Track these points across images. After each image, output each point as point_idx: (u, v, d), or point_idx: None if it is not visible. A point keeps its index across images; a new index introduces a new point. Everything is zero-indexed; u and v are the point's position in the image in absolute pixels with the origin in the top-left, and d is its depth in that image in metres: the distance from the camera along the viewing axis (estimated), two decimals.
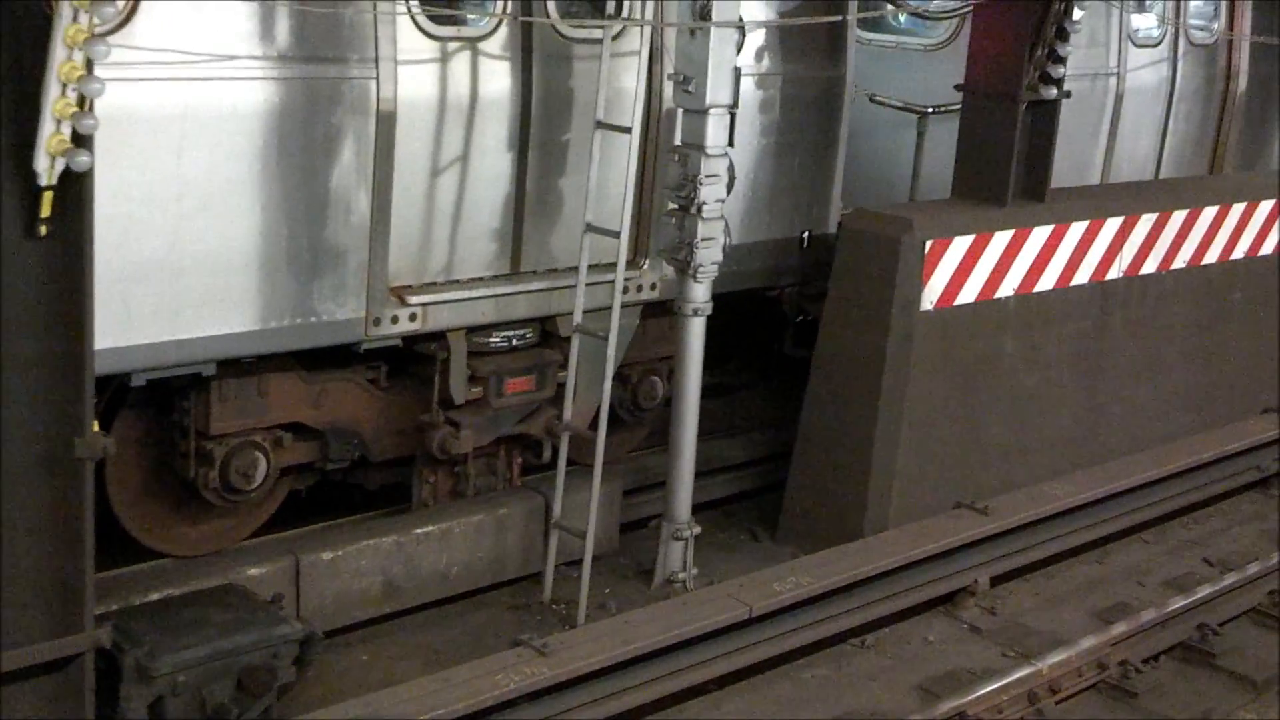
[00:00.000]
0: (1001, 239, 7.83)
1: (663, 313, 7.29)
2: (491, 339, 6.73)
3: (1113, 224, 8.45)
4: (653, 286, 7.15)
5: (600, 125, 6.55)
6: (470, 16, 6.49)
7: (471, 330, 6.61)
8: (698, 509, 7.27)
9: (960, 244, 7.63)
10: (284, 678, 5.72)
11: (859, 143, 8.36)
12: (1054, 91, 7.92)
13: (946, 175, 8.20)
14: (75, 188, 4.32)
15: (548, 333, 6.93)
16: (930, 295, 7.58)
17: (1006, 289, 7.95)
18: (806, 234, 7.84)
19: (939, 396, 7.77)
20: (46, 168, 4.19)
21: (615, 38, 6.61)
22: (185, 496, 6.27)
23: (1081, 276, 8.36)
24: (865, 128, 8.57)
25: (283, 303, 5.89)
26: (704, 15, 6.41)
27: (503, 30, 6.45)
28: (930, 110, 8.75)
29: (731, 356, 8.69)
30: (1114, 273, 8.55)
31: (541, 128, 6.65)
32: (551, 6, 6.58)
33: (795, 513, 7.80)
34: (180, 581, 6.06)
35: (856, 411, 7.56)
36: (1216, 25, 10.31)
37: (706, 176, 6.63)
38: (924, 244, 7.46)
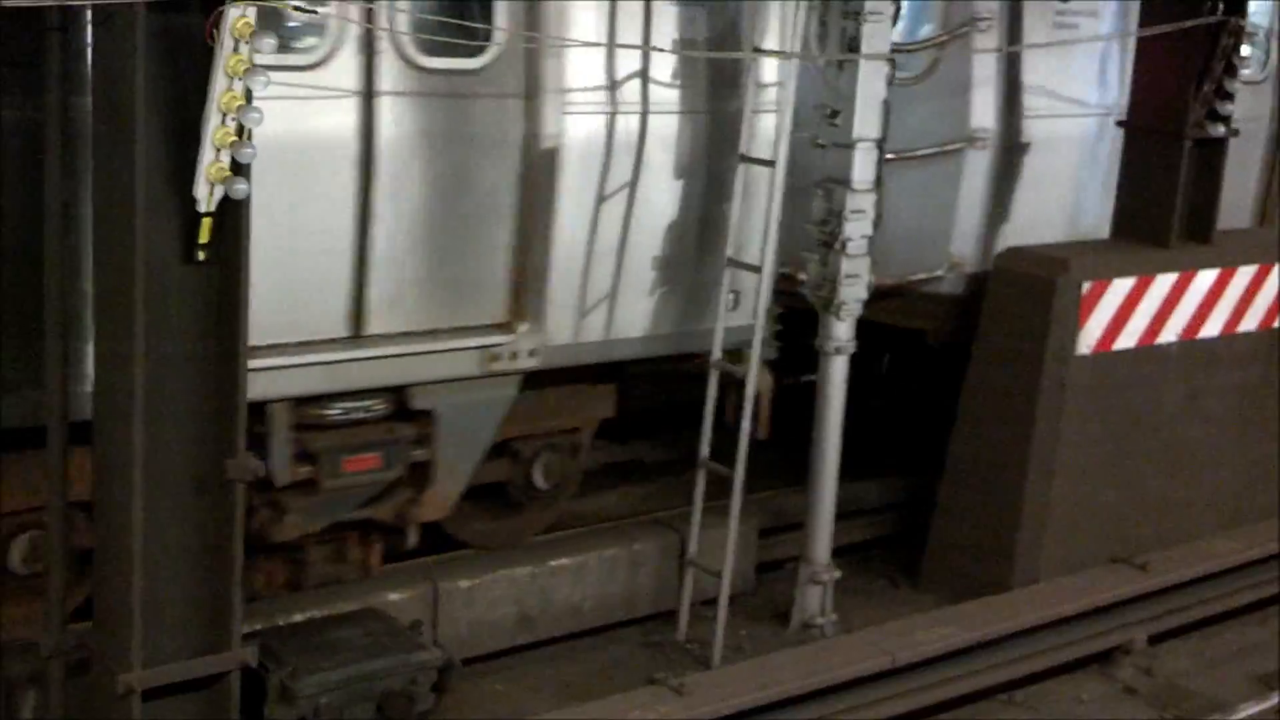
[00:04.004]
0: (1164, 282, 7.54)
1: (561, 380, 6.55)
2: (329, 411, 5.87)
3: None
4: (531, 354, 6.20)
5: (744, 159, 6.49)
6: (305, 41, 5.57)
7: (301, 401, 5.77)
8: (835, 552, 7.12)
9: (1120, 286, 7.37)
10: (422, 704, 5.75)
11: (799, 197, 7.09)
12: (1222, 129, 7.63)
13: (910, 234, 7.20)
14: (232, 214, 4.42)
15: (403, 405, 6.05)
16: (1087, 339, 7.32)
17: (1169, 334, 7.65)
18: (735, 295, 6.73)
19: (1094, 445, 7.50)
20: (206, 194, 4.30)
21: (481, 72, 5.85)
22: None
23: (1249, 323, 8.01)
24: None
25: None
26: (851, 47, 6.32)
27: (344, 63, 5.58)
28: (889, 156, 7.04)
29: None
30: None
31: (393, 173, 5.76)
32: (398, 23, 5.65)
33: (939, 560, 7.59)
34: (322, 604, 6.13)
35: (1007, 459, 7.33)
36: None
37: (852, 212, 6.52)
38: (1081, 286, 7.22)
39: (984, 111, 7.55)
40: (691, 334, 6.67)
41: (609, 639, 6.90)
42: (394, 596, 6.29)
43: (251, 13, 4.12)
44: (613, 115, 6.22)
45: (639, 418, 7.71)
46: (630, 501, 7.76)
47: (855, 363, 6.94)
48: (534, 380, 6.36)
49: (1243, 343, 8.01)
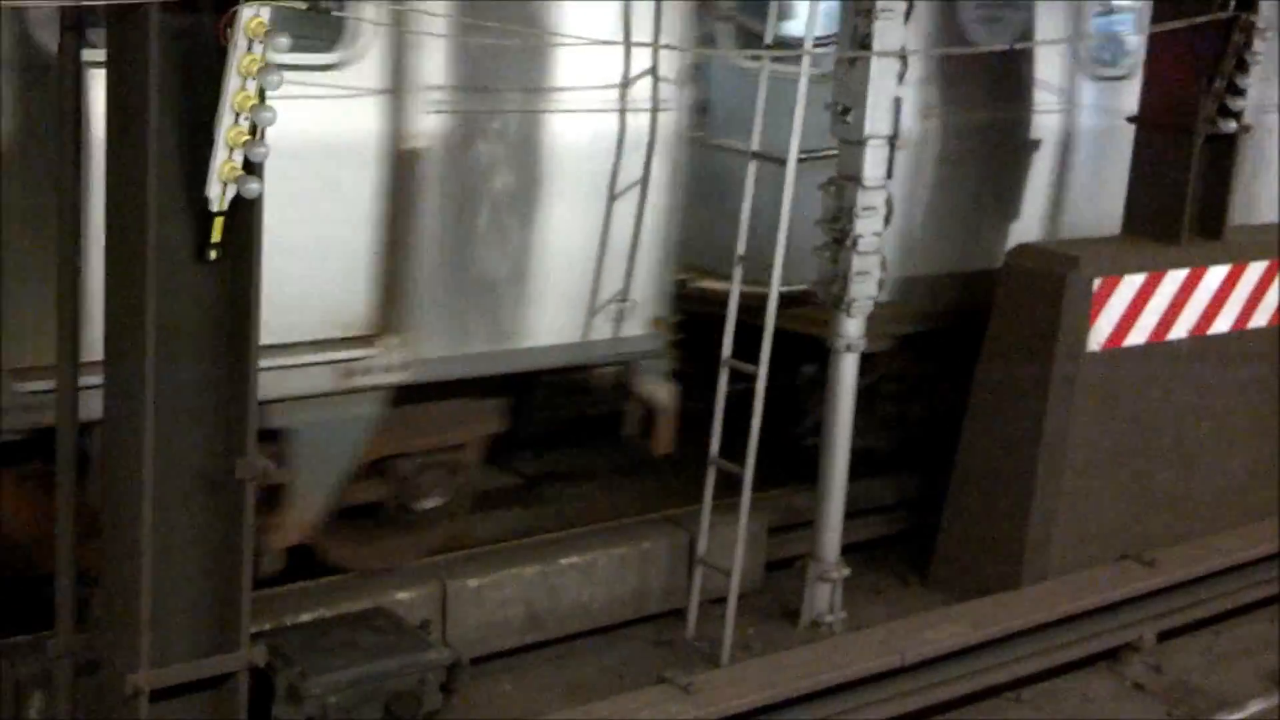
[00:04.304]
0: (1175, 278, 7.51)
1: (442, 395, 6.13)
2: None
3: None
4: (398, 368, 5.80)
5: (755, 156, 6.47)
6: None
7: None
8: (844, 550, 7.10)
9: (1131, 282, 7.34)
10: (430, 704, 5.71)
11: (710, 200, 6.82)
12: (1233, 125, 7.60)
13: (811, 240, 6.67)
14: (244, 213, 4.40)
15: None
16: (1097, 336, 7.29)
17: (1179, 331, 7.62)
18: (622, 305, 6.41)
19: (1104, 442, 7.47)
20: (218, 194, 4.27)
21: (337, 66, 5.41)
22: None
23: (1260, 319, 7.98)
24: (718, 178, 6.95)
25: None
26: (863, 43, 6.28)
27: None
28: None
29: None
30: None
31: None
32: None
33: (948, 559, 7.56)
34: (331, 603, 6.11)
35: (1016, 456, 7.30)
36: None
37: (863, 209, 6.49)
38: (1091, 282, 7.19)
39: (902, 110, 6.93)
40: (585, 345, 6.30)
41: (618, 638, 6.87)
42: (402, 596, 6.26)
43: (265, 12, 4.09)
44: (487, 114, 5.81)
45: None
46: (523, 522, 7.39)
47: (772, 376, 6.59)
48: (410, 395, 5.96)
49: (1253, 339, 7.98)
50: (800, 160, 6.44)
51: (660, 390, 6.55)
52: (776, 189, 6.44)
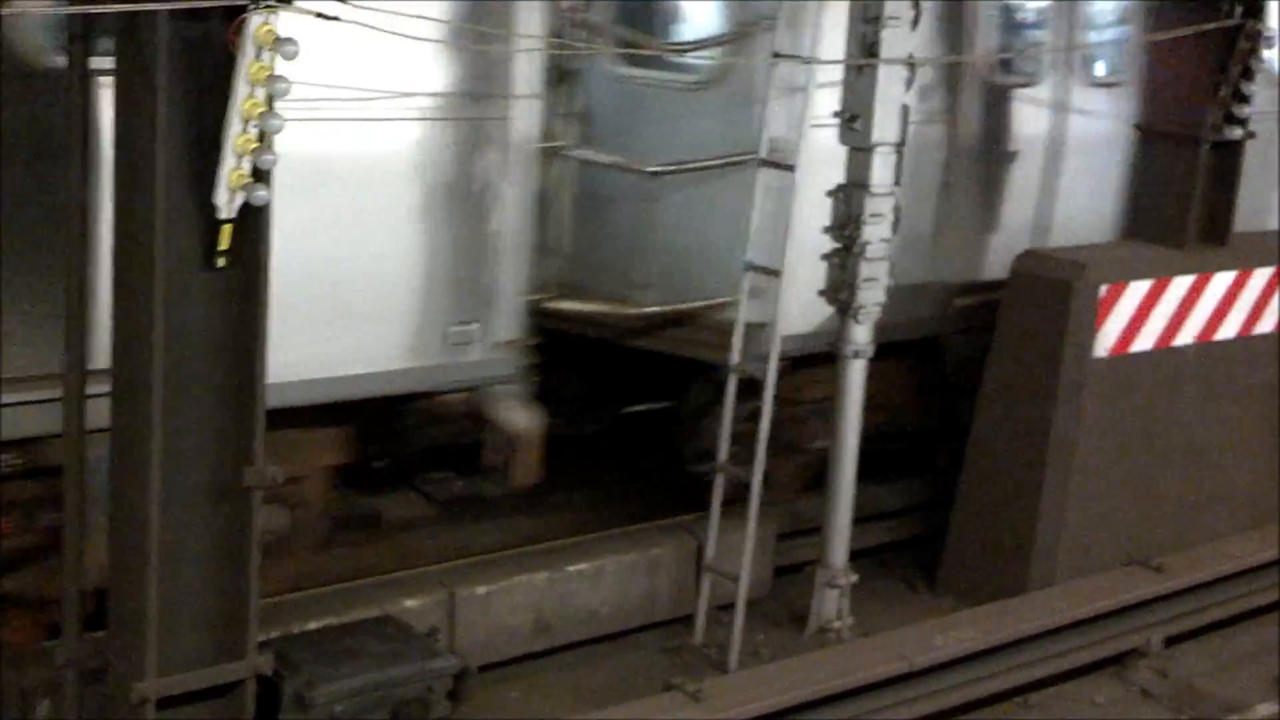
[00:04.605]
0: (1181, 284, 7.52)
1: (270, 426, 5.71)
2: None
3: None
4: None
5: (763, 163, 6.48)
6: None
7: None
8: (852, 556, 7.09)
9: (1137, 289, 7.35)
10: (438, 712, 5.70)
11: (580, 214, 6.58)
12: (1239, 132, 7.62)
13: (697, 253, 6.44)
14: (253, 221, 4.40)
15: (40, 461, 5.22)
16: (1104, 342, 7.30)
17: (1185, 337, 7.63)
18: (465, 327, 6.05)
19: (1111, 448, 7.47)
20: (226, 201, 4.27)
21: None
22: None
23: (1265, 325, 7.99)
24: (590, 192, 6.70)
25: None
26: (871, 51, 6.29)
27: None
28: (660, 170, 6.43)
29: None
30: None
31: (19, 192, 4.93)
32: None
33: (956, 564, 7.57)
34: (338, 611, 6.10)
35: (1023, 461, 7.30)
36: None
37: (870, 216, 6.50)
38: (1098, 288, 7.20)
39: (784, 122, 6.53)
40: (417, 371, 5.89)
41: (626, 644, 6.87)
42: (410, 603, 6.25)
43: (274, 20, 4.10)
44: (324, 121, 5.41)
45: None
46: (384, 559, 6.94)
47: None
48: None
49: (1259, 345, 7.99)
50: (666, 173, 6.30)
51: (519, 416, 6.20)
52: (643, 203, 6.27)
